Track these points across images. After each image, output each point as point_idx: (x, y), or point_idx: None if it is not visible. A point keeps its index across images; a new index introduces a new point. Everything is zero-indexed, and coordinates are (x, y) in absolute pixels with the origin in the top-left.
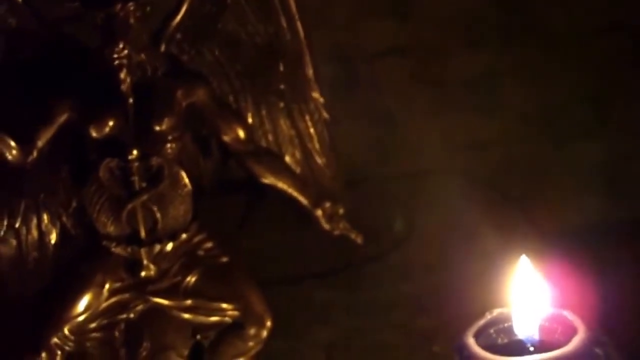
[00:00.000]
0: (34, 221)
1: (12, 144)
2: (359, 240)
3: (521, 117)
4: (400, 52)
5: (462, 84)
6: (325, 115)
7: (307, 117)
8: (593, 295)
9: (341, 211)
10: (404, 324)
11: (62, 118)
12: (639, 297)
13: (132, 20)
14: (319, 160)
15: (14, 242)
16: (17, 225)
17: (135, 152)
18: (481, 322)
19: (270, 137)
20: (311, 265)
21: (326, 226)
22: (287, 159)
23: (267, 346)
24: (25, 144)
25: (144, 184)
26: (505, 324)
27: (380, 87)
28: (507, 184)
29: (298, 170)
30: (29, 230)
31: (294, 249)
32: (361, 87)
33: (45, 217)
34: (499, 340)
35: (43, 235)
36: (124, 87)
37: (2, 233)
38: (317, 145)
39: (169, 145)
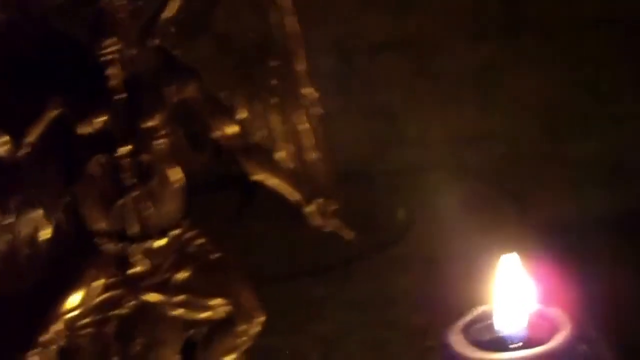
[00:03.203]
0: (27, 217)
1: (4, 138)
2: (350, 237)
3: (520, 110)
4: (400, 45)
5: (461, 77)
6: (319, 110)
7: (300, 113)
8: (582, 292)
9: (333, 207)
10: (398, 319)
11: (53, 113)
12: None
13: (122, 15)
14: (313, 155)
15: (6, 238)
16: (10, 221)
17: (125, 148)
18: (466, 318)
19: (263, 133)
20: (308, 261)
21: (317, 222)
22: (281, 154)
23: (264, 341)
24: (17, 139)
25: (134, 180)
26: (491, 321)
27: (381, 80)
28: (506, 177)
29: (292, 165)
30: (22, 227)
31: (291, 245)
32: (361, 80)
33: (38, 213)
34: (484, 337)
35: (36, 231)
36: (114, 82)
37: None
38: (310, 141)
39: (159, 141)
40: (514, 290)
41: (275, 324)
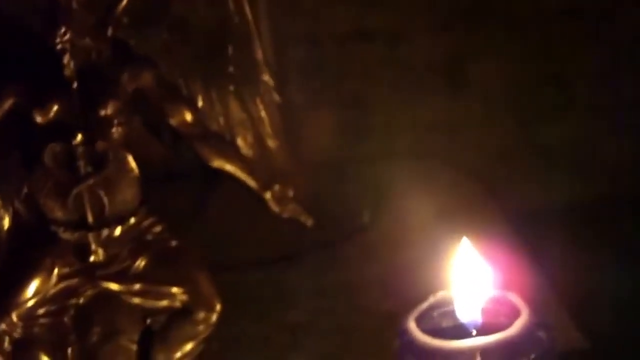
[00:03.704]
0: None
1: None
2: (309, 223)
3: (488, 98)
4: (368, 35)
5: (429, 66)
6: (276, 98)
7: (258, 100)
8: (543, 279)
9: (290, 193)
10: (367, 305)
11: (8, 103)
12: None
13: (75, 5)
14: (271, 143)
15: None
16: None
17: (79, 136)
18: (424, 305)
19: (221, 121)
20: (279, 248)
21: (275, 208)
22: (239, 142)
23: (234, 328)
24: None
25: (89, 169)
26: (449, 307)
27: (349, 70)
28: (475, 165)
29: (250, 153)
30: None
31: (261, 232)
32: (329, 70)
33: None
34: (443, 323)
35: None
36: (67, 71)
37: None
38: (268, 128)
39: (114, 129)
40: (473, 276)
41: (245, 311)
